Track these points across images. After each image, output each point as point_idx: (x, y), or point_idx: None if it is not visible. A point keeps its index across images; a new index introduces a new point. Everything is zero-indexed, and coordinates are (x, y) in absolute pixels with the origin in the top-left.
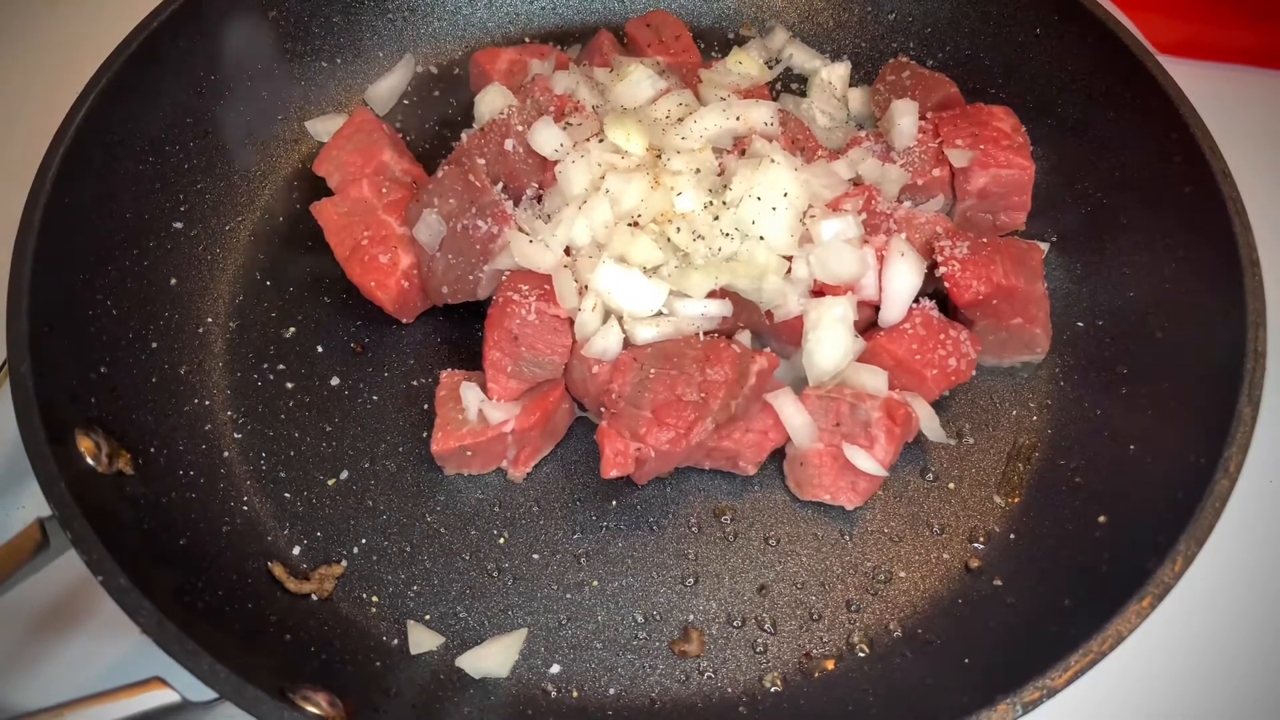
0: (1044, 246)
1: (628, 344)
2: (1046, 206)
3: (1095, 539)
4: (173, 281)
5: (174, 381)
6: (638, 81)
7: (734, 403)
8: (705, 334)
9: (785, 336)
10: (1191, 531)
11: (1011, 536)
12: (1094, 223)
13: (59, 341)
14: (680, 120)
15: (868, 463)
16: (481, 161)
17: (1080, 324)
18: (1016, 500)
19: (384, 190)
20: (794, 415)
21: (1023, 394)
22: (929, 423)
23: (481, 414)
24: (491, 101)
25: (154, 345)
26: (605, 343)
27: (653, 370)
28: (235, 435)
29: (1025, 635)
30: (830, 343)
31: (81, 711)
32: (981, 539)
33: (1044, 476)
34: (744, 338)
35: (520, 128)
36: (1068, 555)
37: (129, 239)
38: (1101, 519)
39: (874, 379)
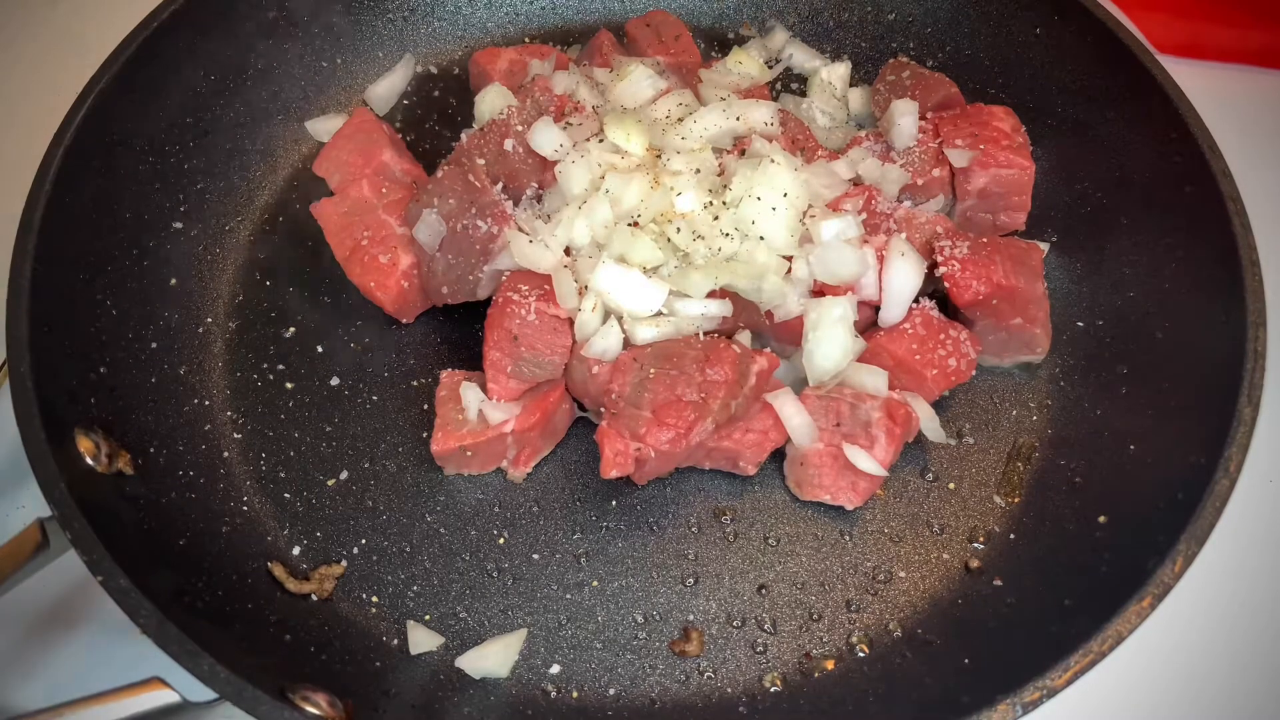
0: (1044, 246)
1: (628, 344)
2: (1046, 206)
3: (1095, 539)
4: (173, 281)
5: (174, 381)
6: (638, 81)
7: (734, 403)
8: (705, 334)
9: (785, 336)
10: (1191, 531)
11: (1011, 536)
12: (1094, 223)
13: (59, 341)
14: (680, 120)
15: (868, 463)
16: (481, 161)
17: (1080, 324)
18: (1016, 500)
19: (384, 190)
20: (794, 415)
21: (1023, 394)
22: (929, 423)
23: (481, 414)
24: (491, 101)
25: (154, 345)
26: (605, 343)
27: (653, 370)
28: (235, 435)
29: (1025, 635)
30: (830, 343)
31: (81, 711)
32: (981, 539)
33: (1044, 476)
34: (744, 338)
35: (520, 128)
36: (1068, 555)
37: (129, 239)
38: (1101, 519)
39: (874, 379)
